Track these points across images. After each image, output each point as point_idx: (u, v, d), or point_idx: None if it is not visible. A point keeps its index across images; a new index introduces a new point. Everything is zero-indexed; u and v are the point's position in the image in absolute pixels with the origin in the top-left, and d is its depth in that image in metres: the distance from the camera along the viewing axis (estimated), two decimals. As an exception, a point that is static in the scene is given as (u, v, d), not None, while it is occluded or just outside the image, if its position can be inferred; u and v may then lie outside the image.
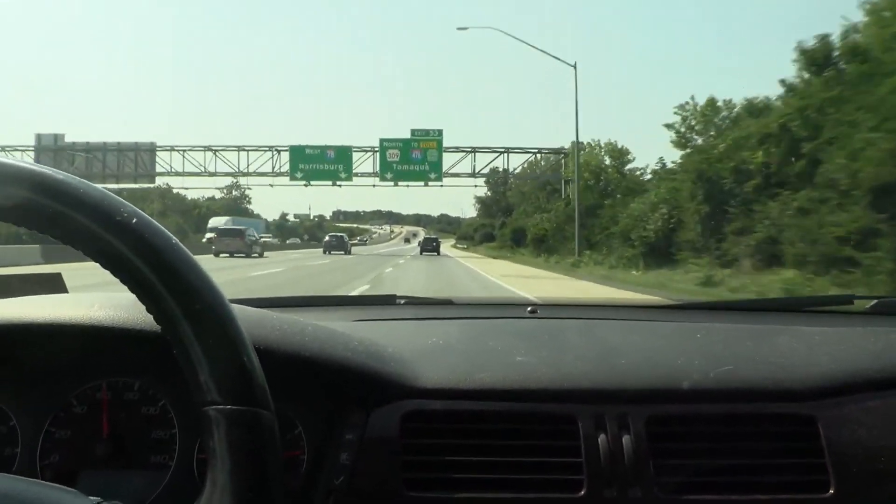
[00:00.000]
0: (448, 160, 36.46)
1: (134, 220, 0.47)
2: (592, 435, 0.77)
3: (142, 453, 0.78)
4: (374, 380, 0.81)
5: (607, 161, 33.40)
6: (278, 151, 35.99)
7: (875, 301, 1.31)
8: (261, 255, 27.01)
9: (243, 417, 0.48)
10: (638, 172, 31.63)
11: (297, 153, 35.53)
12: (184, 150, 36.77)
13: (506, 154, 37.93)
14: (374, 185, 36.37)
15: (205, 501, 0.47)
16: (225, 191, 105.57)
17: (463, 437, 0.78)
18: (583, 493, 0.75)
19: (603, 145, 34.80)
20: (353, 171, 35.40)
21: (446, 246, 76.27)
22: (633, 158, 33.63)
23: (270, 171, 36.22)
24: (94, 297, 0.75)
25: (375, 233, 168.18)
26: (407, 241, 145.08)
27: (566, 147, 37.00)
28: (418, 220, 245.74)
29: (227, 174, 37.61)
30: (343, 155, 35.50)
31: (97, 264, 0.47)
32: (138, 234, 0.47)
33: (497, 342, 0.98)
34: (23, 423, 0.78)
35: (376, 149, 35.14)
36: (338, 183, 35.60)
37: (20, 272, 1.12)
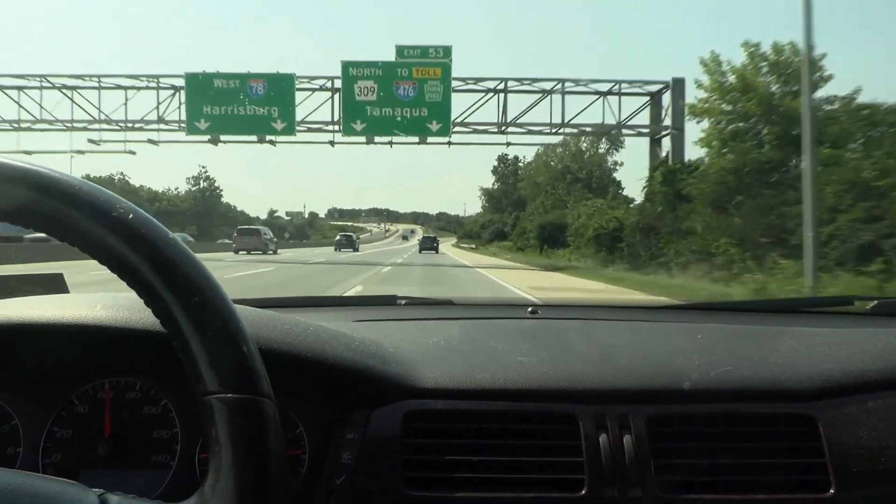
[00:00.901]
0: (459, 104, 22.95)
1: (130, 216, 0.49)
2: (593, 435, 0.83)
3: (143, 453, 0.84)
4: (376, 379, 0.87)
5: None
6: (174, 89, 21.96)
7: (875, 302, 1.38)
8: (275, 252, 31.86)
9: (245, 405, 0.50)
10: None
11: (198, 88, 21.30)
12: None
13: (560, 95, 20.77)
14: (331, 143, 20.21)
15: (208, 489, 0.50)
16: (191, 182, 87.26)
17: (464, 437, 0.84)
18: (584, 492, 0.80)
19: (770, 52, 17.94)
20: (300, 120, 21.58)
21: (447, 245, 72.75)
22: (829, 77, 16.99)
23: (156, 118, 22.29)
24: (95, 297, 0.81)
25: (369, 231, 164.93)
26: (405, 238, 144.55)
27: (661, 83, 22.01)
28: (416, 217, 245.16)
29: (82, 126, 21.11)
30: (280, 91, 21.21)
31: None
32: (135, 230, 0.49)
33: (498, 342, 1.04)
34: (25, 422, 0.84)
35: (337, 81, 21.23)
36: (269, 139, 19.92)
37: (20, 272, 1.22)
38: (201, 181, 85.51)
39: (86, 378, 0.86)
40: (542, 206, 47.46)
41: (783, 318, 1.40)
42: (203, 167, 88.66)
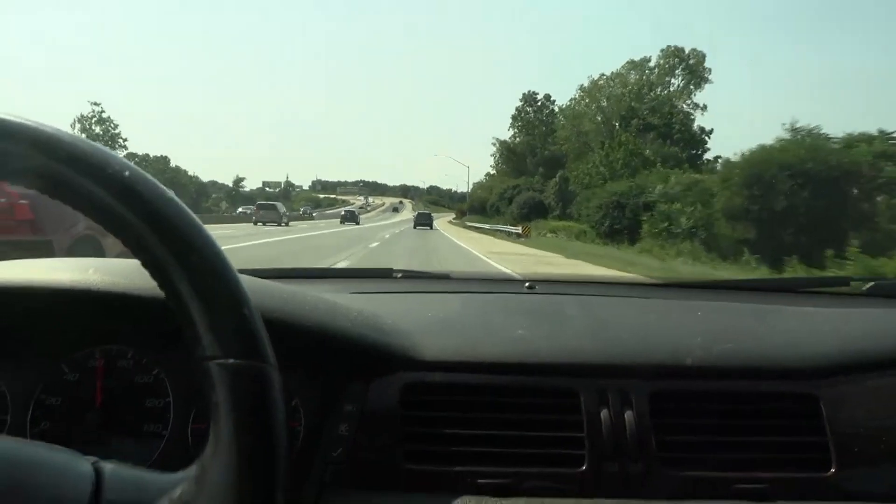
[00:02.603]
0: None
1: (126, 173, 0.47)
2: (594, 410, 0.83)
3: (135, 422, 0.83)
4: (374, 350, 0.86)
5: None
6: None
7: (872, 283, 1.39)
8: (287, 225, 36.55)
9: (247, 371, 0.48)
10: None
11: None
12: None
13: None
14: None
15: (207, 457, 0.48)
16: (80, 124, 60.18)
17: (463, 410, 0.83)
18: (584, 467, 0.80)
19: None
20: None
21: (443, 223, 62.77)
22: None
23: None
24: (88, 261, 0.79)
25: (352, 204, 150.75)
26: (395, 210, 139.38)
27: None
28: (406, 191, 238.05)
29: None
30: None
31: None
32: (131, 187, 0.47)
33: (497, 316, 1.04)
34: (13, 389, 0.82)
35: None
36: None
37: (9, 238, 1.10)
38: (93, 124, 61.00)
39: (76, 346, 0.84)
40: (602, 165, 33.44)
41: (781, 297, 1.41)
42: (96, 104, 61.84)
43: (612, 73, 47.74)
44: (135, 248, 0.47)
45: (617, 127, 41.34)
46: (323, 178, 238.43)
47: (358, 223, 47.49)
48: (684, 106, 43.94)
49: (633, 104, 41.56)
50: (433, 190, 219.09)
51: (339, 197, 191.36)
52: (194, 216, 0.49)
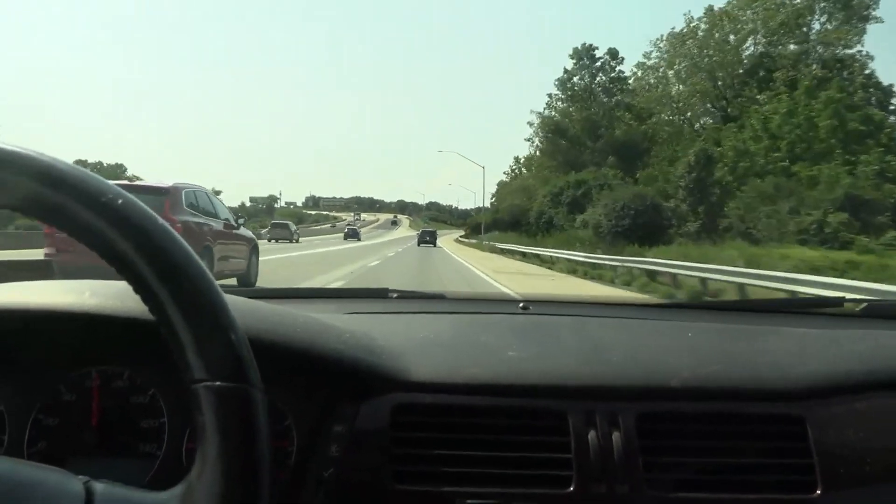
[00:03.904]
0: None
1: (119, 201, 0.49)
2: (582, 431, 0.83)
3: (131, 442, 0.84)
4: (365, 372, 0.87)
5: None
6: None
7: (865, 304, 1.40)
8: (297, 241, 41.45)
9: (233, 394, 0.50)
10: None
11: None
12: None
13: None
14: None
15: (194, 477, 0.49)
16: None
17: (453, 431, 0.84)
18: (571, 488, 0.81)
19: None
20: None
21: (448, 241, 53.73)
22: None
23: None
24: (84, 283, 0.81)
25: (343, 220, 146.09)
26: (394, 223, 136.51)
27: None
28: (403, 207, 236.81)
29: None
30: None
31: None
32: (123, 216, 0.49)
33: (488, 337, 1.04)
34: (10, 409, 0.83)
35: None
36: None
37: (7, 258, 1.20)
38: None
39: (73, 366, 0.85)
40: (762, 132, 21.70)
41: (773, 318, 1.41)
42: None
43: (716, 8, 30.24)
44: (127, 275, 0.49)
45: (733, 84, 26.87)
46: (317, 195, 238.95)
47: (359, 239, 53.25)
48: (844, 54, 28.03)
49: (765, 46, 26.28)
50: (433, 206, 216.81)
51: (326, 213, 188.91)
52: (186, 245, 0.50)
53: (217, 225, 9.12)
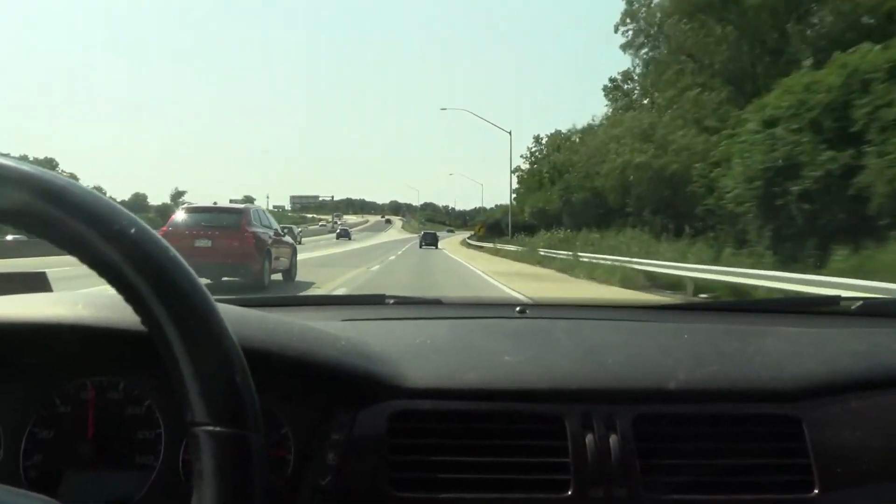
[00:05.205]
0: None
1: (133, 230, 0.48)
2: (579, 434, 0.83)
3: (127, 454, 0.84)
4: (362, 379, 0.86)
5: None
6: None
7: (861, 302, 1.39)
8: (300, 243, 40.32)
9: (232, 440, 0.49)
10: None
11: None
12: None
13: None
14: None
15: None
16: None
17: (450, 437, 0.84)
18: (569, 492, 0.81)
19: None
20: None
21: (451, 244, 46.74)
22: None
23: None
24: (78, 295, 0.80)
25: (323, 223, 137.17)
26: (388, 221, 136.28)
27: None
28: (397, 208, 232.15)
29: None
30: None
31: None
32: (135, 244, 0.48)
33: (485, 342, 1.05)
34: (5, 422, 0.82)
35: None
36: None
37: (1, 270, 1.19)
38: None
39: (68, 378, 0.85)
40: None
41: (769, 318, 1.41)
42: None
43: None
44: (135, 305, 0.48)
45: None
46: (303, 194, 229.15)
47: (350, 238, 59.88)
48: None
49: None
50: (428, 206, 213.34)
51: (308, 215, 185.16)
52: (197, 279, 0.50)
53: (272, 234, 11.87)
